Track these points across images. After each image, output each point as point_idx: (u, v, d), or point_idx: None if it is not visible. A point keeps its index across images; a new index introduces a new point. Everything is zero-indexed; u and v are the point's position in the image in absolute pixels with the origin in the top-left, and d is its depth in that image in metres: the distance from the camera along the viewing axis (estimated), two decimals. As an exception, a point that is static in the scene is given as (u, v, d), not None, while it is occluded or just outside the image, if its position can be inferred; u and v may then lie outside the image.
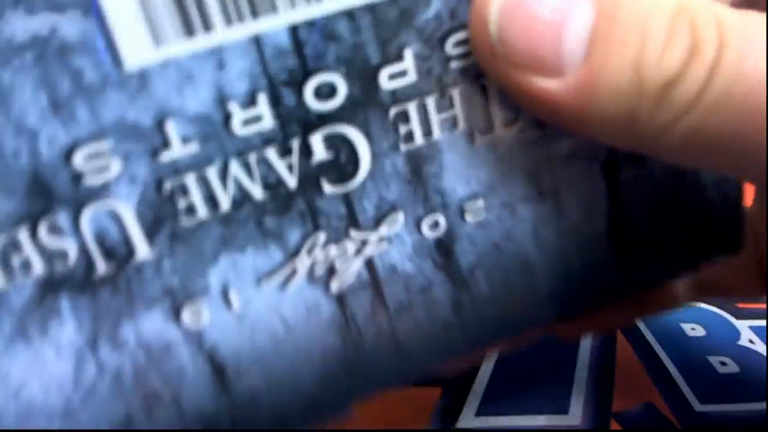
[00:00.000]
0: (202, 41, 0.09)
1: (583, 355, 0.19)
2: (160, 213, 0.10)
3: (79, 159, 0.09)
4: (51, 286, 0.09)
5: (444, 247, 0.12)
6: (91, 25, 0.09)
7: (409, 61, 0.10)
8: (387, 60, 0.10)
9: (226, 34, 0.09)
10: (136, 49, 0.09)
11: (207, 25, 0.09)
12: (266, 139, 0.10)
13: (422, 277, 0.12)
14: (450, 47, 0.10)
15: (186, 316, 0.10)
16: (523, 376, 0.18)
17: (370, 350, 0.12)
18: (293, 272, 0.11)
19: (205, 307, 0.10)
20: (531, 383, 0.18)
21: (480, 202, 0.11)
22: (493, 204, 0.12)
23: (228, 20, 0.09)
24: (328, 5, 0.10)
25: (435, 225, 0.11)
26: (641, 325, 0.21)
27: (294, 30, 0.10)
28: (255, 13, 0.09)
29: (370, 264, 0.11)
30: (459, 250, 0.12)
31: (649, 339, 0.20)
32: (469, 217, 0.12)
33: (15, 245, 0.09)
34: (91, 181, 0.09)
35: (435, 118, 0.11)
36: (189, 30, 0.09)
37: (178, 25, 0.09)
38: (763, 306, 0.22)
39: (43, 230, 0.09)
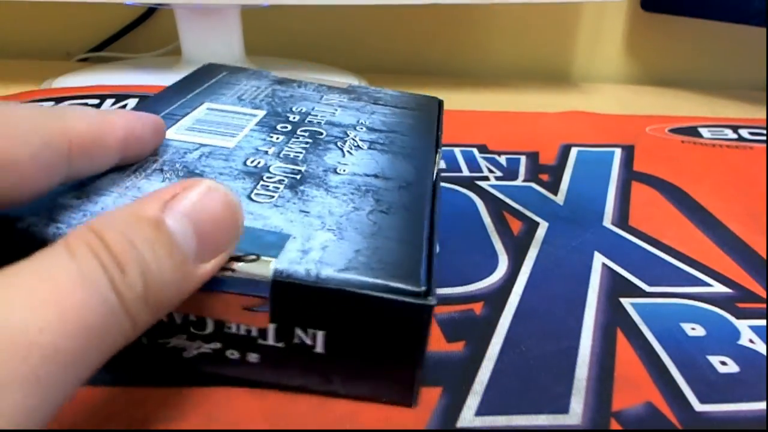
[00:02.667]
0: None
1: (583, 354, 0.19)
2: None
3: None
4: None
5: None
6: None
7: None
8: None
9: None
10: None
11: None
12: None
13: None
14: None
15: None
16: (523, 376, 0.18)
17: None
18: None
19: None
20: (531, 383, 0.18)
21: None
22: None
23: None
24: None
25: None
26: (641, 325, 0.21)
27: None
28: None
29: None
30: None
31: (649, 339, 0.20)
32: None
33: None
34: None
35: None
36: None
37: None
38: (763, 306, 0.22)
39: None
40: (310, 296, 0.15)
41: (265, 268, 0.15)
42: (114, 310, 0.11)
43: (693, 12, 0.50)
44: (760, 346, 0.20)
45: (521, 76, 0.59)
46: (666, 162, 0.35)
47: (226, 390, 0.17)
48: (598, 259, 0.24)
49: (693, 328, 0.21)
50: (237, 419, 0.16)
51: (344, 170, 0.20)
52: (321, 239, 0.16)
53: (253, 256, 0.15)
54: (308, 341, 0.16)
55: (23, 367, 0.10)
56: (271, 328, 0.16)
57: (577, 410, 0.17)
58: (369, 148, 0.23)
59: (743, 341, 0.20)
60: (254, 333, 0.16)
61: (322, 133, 0.23)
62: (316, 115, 0.25)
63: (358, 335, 0.15)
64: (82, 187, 0.17)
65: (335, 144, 0.22)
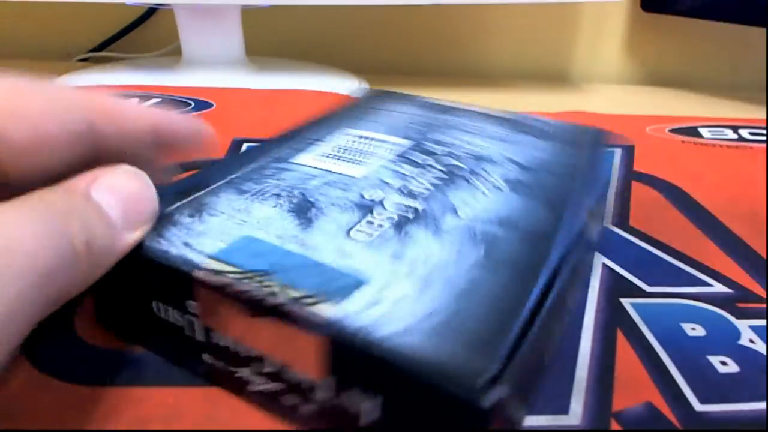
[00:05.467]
0: None
1: (583, 355, 0.19)
2: None
3: None
4: None
5: None
6: None
7: None
8: None
9: None
10: None
11: None
12: None
13: None
14: None
15: None
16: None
17: None
18: None
19: None
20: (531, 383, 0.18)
21: None
22: None
23: None
24: None
25: None
26: (641, 326, 0.21)
27: None
28: None
29: None
30: None
31: (649, 339, 0.20)
32: None
33: None
34: None
35: None
36: None
37: None
38: (763, 306, 0.22)
39: None
40: (357, 354, 0.13)
41: (323, 312, 0.14)
42: (63, 241, 0.13)
43: (693, 12, 0.50)
44: (760, 346, 0.20)
45: (521, 76, 0.59)
46: (666, 162, 0.35)
47: (225, 390, 0.17)
48: (598, 259, 0.24)
49: (693, 328, 0.21)
50: (237, 419, 0.16)
51: (466, 212, 0.18)
52: (398, 291, 0.14)
53: (319, 297, 0.14)
54: (361, 406, 0.14)
55: (10, 263, 0.11)
56: (329, 381, 0.14)
57: (577, 410, 0.17)
58: (507, 188, 0.20)
59: (743, 341, 0.20)
60: (314, 383, 0.14)
61: (462, 168, 0.21)
62: (463, 147, 0.23)
63: (411, 411, 0.13)
64: (198, 205, 0.18)
65: (469, 181, 0.20)
